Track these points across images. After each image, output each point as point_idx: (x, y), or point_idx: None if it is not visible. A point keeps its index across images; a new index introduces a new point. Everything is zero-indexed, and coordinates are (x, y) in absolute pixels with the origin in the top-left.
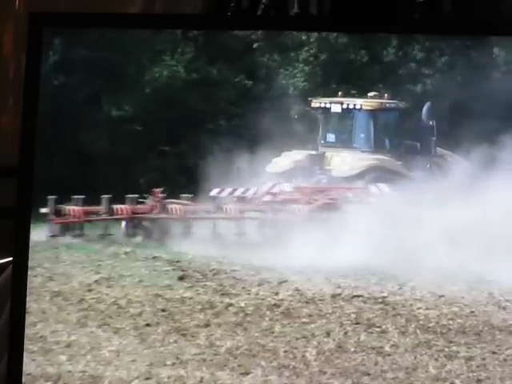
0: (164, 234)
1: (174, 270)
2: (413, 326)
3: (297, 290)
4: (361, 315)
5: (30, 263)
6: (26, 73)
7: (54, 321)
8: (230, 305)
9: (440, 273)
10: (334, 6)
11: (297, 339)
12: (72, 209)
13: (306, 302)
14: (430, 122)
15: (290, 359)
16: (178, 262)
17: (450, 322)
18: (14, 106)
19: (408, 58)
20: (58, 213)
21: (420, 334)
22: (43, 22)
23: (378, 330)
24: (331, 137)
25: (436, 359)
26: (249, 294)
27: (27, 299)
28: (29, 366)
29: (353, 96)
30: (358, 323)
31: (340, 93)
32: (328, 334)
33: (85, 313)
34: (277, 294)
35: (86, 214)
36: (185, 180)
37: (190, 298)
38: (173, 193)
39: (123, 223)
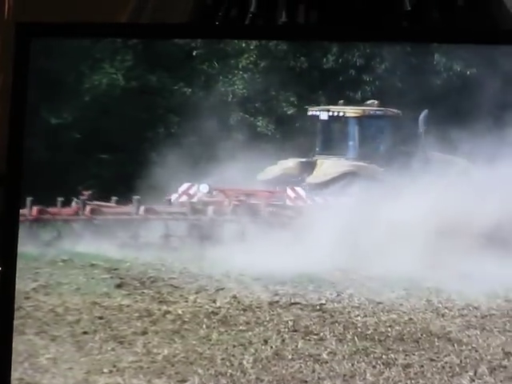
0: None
1: (111, 277)
2: (350, 333)
3: (234, 297)
4: (298, 322)
5: None
6: (12, 83)
7: None
8: (168, 312)
9: (378, 280)
10: (320, 15)
11: (234, 347)
12: None
13: (244, 310)
14: (420, 130)
15: (227, 367)
16: (115, 269)
17: (388, 329)
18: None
19: (348, 64)
20: None
21: (358, 341)
22: (30, 32)
23: (315, 337)
24: (323, 144)
25: (374, 366)
26: (186, 301)
27: None
28: None
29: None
30: (295, 330)
31: (341, 101)
32: (265, 342)
33: (22, 320)
34: (214, 301)
35: None
36: (123, 187)
37: (128, 306)
38: (109, 199)
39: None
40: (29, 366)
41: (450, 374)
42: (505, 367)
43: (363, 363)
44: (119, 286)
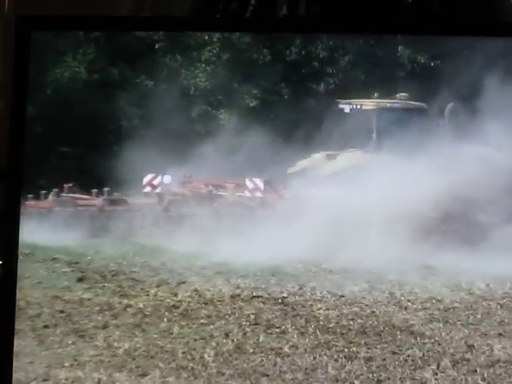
0: None
1: (72, 271)
2: (312, 326)
3: (196, 290)
4: (260, 316)
5: None
6: (13, 76)
7: None
8: (129, 306)
9: (341, 273)
10: (322, 7)
11: (195, 340)
12: None
13: (205, 303)
14: (446, 122)
15: (188, 360)
16: (76, 263)
17: (351, 322)
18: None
19: (311, 56)
20: None
21: (320, 334)
22: (31, 25)
23: (277, 330)
24: (347, 137)
25: (336, 360)
26: (147, 295)
27: None
28: None
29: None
30: (257, 324)
31: (376, 94)
32: (227, 335)
33: None
34: (175, 295)
35: None
36: (85, 180)
37: (89, 300)
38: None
39: None
40: None
41: (413, 367)
42: (468, 360)
43: (325, 356)
44: (80, 280)
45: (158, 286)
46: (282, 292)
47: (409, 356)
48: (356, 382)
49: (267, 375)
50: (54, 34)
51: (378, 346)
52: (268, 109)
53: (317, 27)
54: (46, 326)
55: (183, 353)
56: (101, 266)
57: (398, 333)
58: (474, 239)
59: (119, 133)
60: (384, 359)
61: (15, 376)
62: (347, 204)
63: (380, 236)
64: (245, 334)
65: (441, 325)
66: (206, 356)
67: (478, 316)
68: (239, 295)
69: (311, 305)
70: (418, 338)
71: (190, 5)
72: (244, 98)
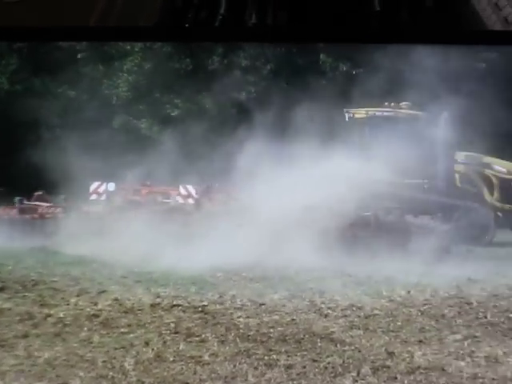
0: None
1: None
2: (233, 334)
3: (116, 299)
4: (180, 324)
5: None
6: None
7: None
8: (49, 315)
9: (261, 281)
10: (290, 15)
11: (115, 349)
12: None
13: (125, 312)
14: (441, 130)
15: (108, 369)
16: None
17: (271, 330)
18: None
19: (233, 65)
20: None
21: (240, 342)
22: None
23: (197, 339)
24: (347, 143)
25: (255, 368)
26: (68, 304)
27: None
28: None
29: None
30: (177, 332)
31: (386, 103)
32: (147, 344)
33: None
34: (96, 304)
35: None
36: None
37: (9, 309)
38: None
39: None
40: None
41: (333, 375)
42: (388, 367)
43: (245, 364)
44: (1, 290)
45: (78, 296)
46: (202, 300)
47: (329, 363)
48: None
49: (187, 383)
50: None
51: (298, 354)
52: (189, 118)
53: (287, 37)
54: None
55: (103, 361)
56: (21, 276)
57: (319, 340)
58: (395, 247)
59: (40, 142)
60: (304, 367)
61: None
62: (266, 213)
63: (299, 244)
64: (165, 342)
65: (361, 332)
66: (126, 365)
67: (399, 323)
68: (159, 304)
69: (231, 313)
70: (339, 346)
71: (159, 14)
72: (165, 107)
